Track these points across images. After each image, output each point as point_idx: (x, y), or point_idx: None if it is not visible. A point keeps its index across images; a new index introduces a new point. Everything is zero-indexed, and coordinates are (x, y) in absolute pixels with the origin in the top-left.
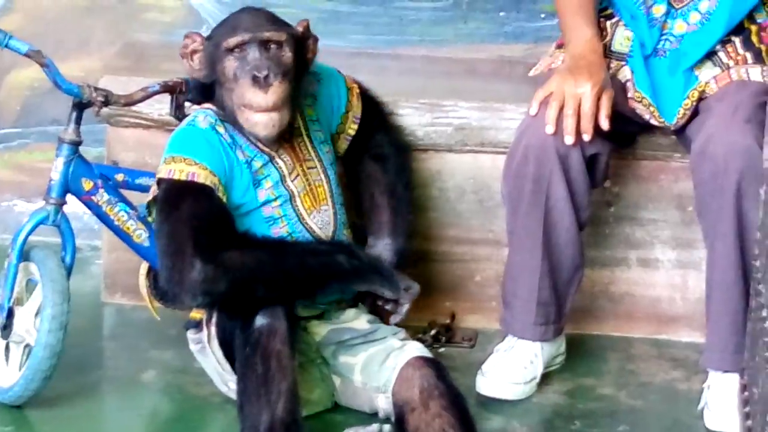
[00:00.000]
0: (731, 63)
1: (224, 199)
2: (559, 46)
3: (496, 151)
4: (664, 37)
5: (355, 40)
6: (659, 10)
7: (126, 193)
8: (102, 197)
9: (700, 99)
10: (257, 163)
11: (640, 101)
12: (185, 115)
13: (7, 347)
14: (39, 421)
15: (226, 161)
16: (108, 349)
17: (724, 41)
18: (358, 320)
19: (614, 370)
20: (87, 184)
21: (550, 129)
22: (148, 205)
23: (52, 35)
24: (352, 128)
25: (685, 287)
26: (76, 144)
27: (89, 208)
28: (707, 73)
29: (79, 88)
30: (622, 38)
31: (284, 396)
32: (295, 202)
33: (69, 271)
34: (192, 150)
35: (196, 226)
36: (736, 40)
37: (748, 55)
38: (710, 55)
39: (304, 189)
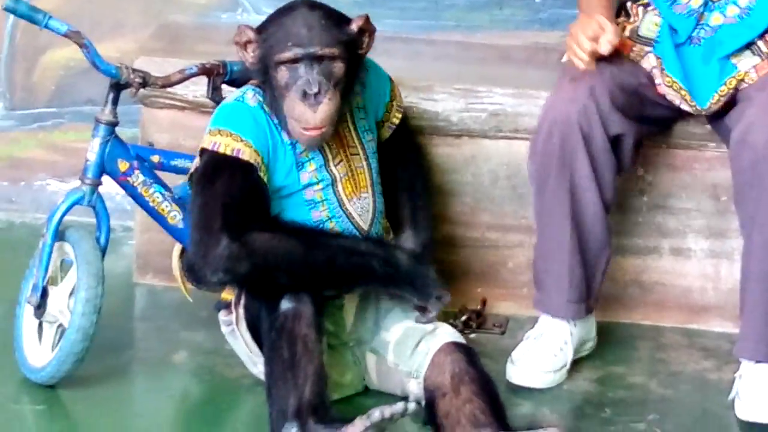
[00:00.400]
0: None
1: (265, 179)
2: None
3: (530, 137)
4: (699, 27)
5: (390, 24)
6: (697, 1)
7: (161, 174)
8: (137, 178)
9: (737, 89)
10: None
11: (671, 86)
12: (222, 98)
13: (40, 326)
14: (71, 401)
15: (271, 141)
16: (139, 330)
17: (763, 32)
18: None
19: (645, 358)
20: (123, 165)
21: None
22: (191, 176)
23: (87, 16)
24: (396, 117)
25: (717, 277)
26: (112, 125)
27: (124, 189)
28: (747, 62)
29: (117, 69)
30: (650, 23)
31: (311, 379)
32: (337, 187)
33: (103, 252)
34: (239, 125)
35: (228, 203)
36: None
37: None
38: (749, 44)
39: (346, 174)
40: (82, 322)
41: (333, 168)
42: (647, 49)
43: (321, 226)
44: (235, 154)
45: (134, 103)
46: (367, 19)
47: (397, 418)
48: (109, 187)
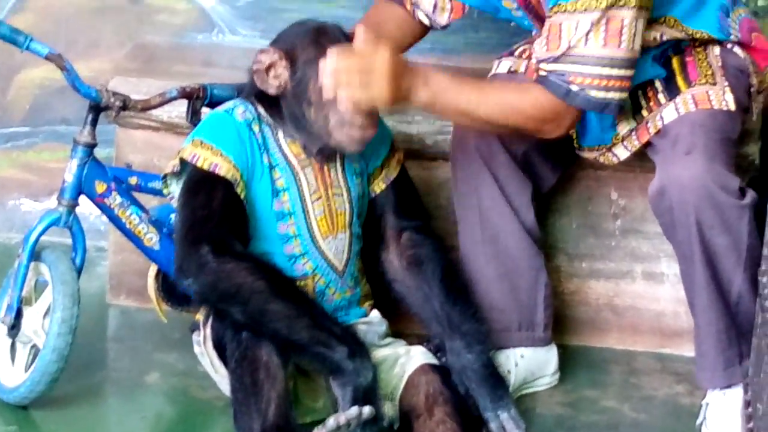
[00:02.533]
0: (646, 113)
1: (242, 195)
2: (511, 53)
3: None
4: None
5: None
6: None
7: (138, 195)
8: (115, 200)
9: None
10: (277, 173)
11: (579, 148)
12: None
13: (12, 346)
14: (42, 422)
15: (251, 159)
16: (112, 351)
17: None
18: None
19: (617, 382)
20: (100, 187)
21: None
22: (164, 177)
23: (63, 35)
24: (394, 171)
25: None
26: (90, 146)
27: (101, 210)
28: (624, 126)
29: (98, 93)
30: None
31: (275, 403)
32: (311, 224)
33: (79, 273)
34: (220, 139)
35: (205, 218)
36: (658, 82)
37: (661, 97)
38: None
39: (323, 213)
40: (57, 342)
41: (309, 203)
42: None
43: (294, 261)
44: (212, 169)
45: (109, 123)
46: None
47: (355, 425)
48: (83, 207)
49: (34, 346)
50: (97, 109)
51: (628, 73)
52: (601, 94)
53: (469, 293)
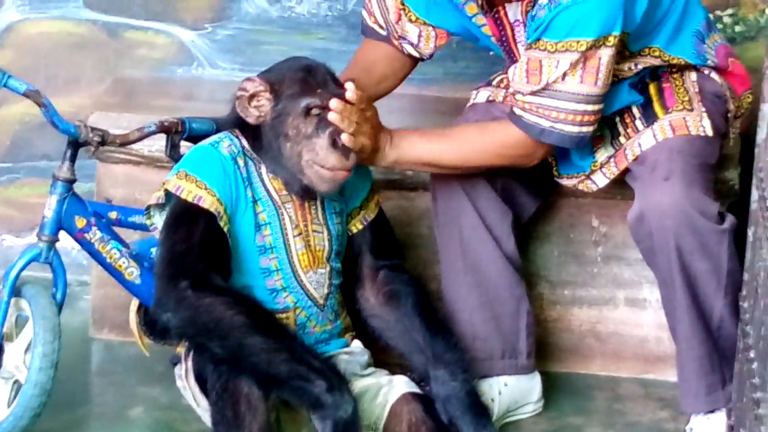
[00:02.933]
0: (623, 140)
1: (226, 229)
2: (488, 83)
3: None
4: None
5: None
6: None
7: (119, 230)
8: (95, 235)
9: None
10: (259, 207)
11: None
12: (180, 155)
13: None
14: None
15: (235, 193)
16: (96, 385)
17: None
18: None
19: (601, 409)
20: (80, 222)
21: None
22: (148, 208)
23: (42, 71)
24: (372, 213)
25: None
26: (70, 182)
27: (82, 245)
28: (602, 153)
29: (77, 128)
30: None
31: None
32: (292, 258)
33: (60, 308)
34: (205, 172)
35: (186, 251)
36: (635, 109)
37: (639, 124)
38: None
39: (304, 248)
40: (39, 377)
41: (291, 238)
42: None
43: (275, 295)
44: (195, 201)
45: (89, 157)
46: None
47: None
48: (65, 242)
49: (16, 381)
50: (75, 145)
51: (600, 107)
52: (576, 129)
53: (448, 324)
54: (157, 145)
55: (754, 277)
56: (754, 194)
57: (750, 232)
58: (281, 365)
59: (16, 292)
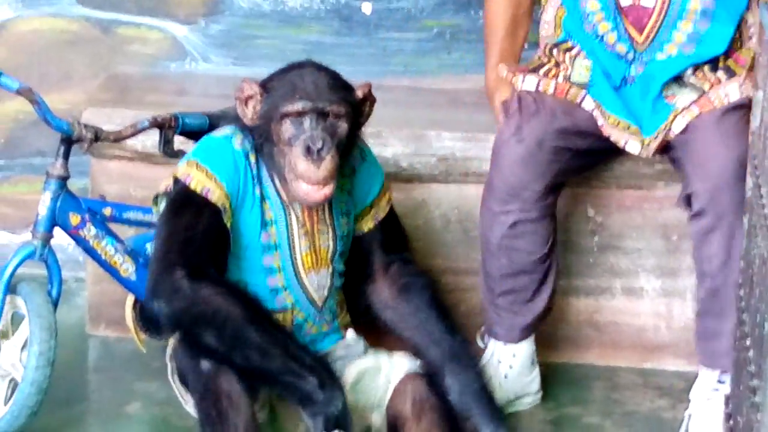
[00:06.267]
0: (706, 86)
1: (228, 225)
2: (533, 70)
3: (480, 181)
4: (629, 68)
5: (340, 71)
6: (622, 48)
7: (113, 226)
8: (89, 231)
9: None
10: (267, 205)
11: (616, 125)
12: (174, 151)
13: None
14: None
15: (243, 188)
16: (93, 382)
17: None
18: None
19: (600, 399)
20: (74, 219)
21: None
22: (156, 197)
23: (35, 68)
24: (383, 211)
25: (669, 316)
26: (63, 179)
27: (76, 242)
28: (684, 98)
29: (69, 125)
30: (581, 68)
31: (242, 430)
32: (296, 258)
33: (55, 305)
34: (216, 164)
35: (188, 240)
36: (705, 66)
37: (721, 75)
38: (678, 79)
39: (308, 248)
40: (35, 375)
41: (296, 238)
42: (583, 92)
43: (275, 294)
44: (204, 194)
45: (84, 154)
46: (370, 87)
47: None
48: (60, 238)
49: (12, 379)
50: (69, 142)
51: None
52: None
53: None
54: (151, 140)
55: (750, 264)
56: (749, 182)
57: (745, 220)
58: (274, 360)
59: (11, 289)
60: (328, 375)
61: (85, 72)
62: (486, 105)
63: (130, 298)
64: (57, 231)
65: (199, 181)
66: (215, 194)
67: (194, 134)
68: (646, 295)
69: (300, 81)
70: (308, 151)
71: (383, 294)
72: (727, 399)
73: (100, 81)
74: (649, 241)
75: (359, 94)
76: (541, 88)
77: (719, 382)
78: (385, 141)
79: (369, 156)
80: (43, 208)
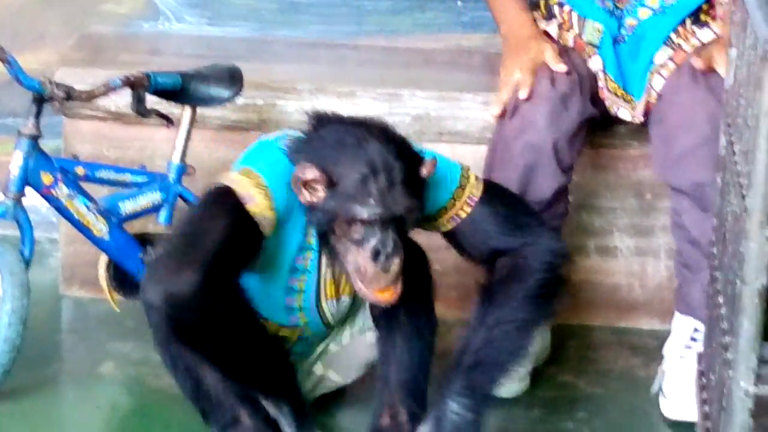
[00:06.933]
0: (681, 41)
1: (261, 241)
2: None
3: (453, 140)
4: (621, 25)
5: (313, 30)
6: (608, 4)
7: (87, 186)
8: (62, 191)
9: (657, 93)
10: (311, 231)
11: (614, 92)
12: (147, 110)
13: None
14: None
15: (292, 205)
16: (66, 342)
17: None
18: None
19: (574, 358)
20: (47, 178)
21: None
22: None
23: (8, 28)
24: (464, 210)
25: (643, 275)
26: (35, 138)
27: (49, 201)
28: (661, 55)
29: (41, 84)
30: (593, 30)
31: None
32: (320, 283)
33: (28, 264)
34: (271, 175)
35: (215, 243)
36: (688, 20)
37: (696, 29)
38: (665, 40)
39: (332, 276)
40: (8, 333)
41: (324, 266)
42: (595, 50)
43: (290, 313)
44: (245, 200)
45: (56, 113)
46: (435, 164)
47: None
48: (34, 199)
49: None
50: (40, 101)
51: None
52: None
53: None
54: (123, 100)
55: (723, 222)
56: (722, 140)
57: (719, 178)
58: (248, 382)
59: None
60: (298, 409)
61: (58, 32)
62: (460, 64)
63: (104, 258)
64: (29, 191)
65: (244, 186)
66: (259, 204)
67: (167, 93)
68: (620, 254)
69: (373, 179)
70: (377, 255)
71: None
72: (700, 357)
73: (73, 41)
74: (622, 201)
75: (425, 173)
76: (561, 43)
77: (692, 339)
78: (359, 100)
79: (438, 165)
80: (14, 168)
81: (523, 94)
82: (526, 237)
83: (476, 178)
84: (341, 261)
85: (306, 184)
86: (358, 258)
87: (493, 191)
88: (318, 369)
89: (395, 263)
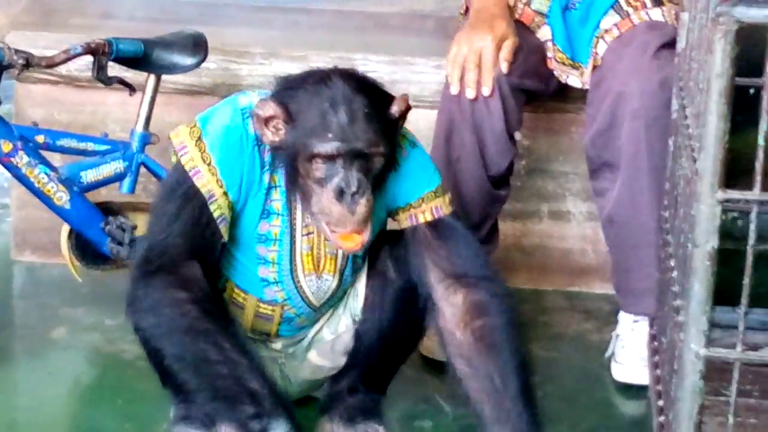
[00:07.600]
0: (630, 10)
1: (218, 213)
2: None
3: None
4: None
5: None
6: None
7: (47, 154)
8: (21, 159)
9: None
10: (276, 195)
11: (562, 62)
12: (108, 77)
13: None
14: None
15: (247, 176)
16: (18, 307)
17: None
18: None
19: (527, 322)
20: (6, 146)
21: (454, 90)
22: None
23: None
24: (425, 217)
25: (596, 239)
26: None
27: (8, 170)
28: (607, 21)
29: (0, 50)
30: None
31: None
32: (294, 256)
33: None
34: (219, 146)
35: (172, 233)
36: None
37: (647, 1)
38: (613, 4)
39: (309, 250)
40: None
41: (298, 236)
42: (543, 21)
43: (266, 285)
44: (192, 174)
45: (7, 78)
46: (407, 101)
47: None
48: None
49: None
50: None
51: None
52: None
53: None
54: (75, 64)
55: (675, 186)
56: (674, 104)
57: (671, 142)
58: (220, 380)
59: None
60: (272, 405)
61: None
62: (413, 29)
63: (66, 228)
64: None
65: (191, 158)
66: (204, 179)
67: (129, 61)
68: (573, 218)
69: (332, 113)
70: (341, 194)
71: (456, 336)
72: (652, 320)
73: (23, 4)
74: (575, 165)
75: (395, 112)
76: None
77: None
78: (312, 65)
79: (418, 157)
80: None
81: (470, 94)
82: (480, 272)
83: (450, 200)
84: (308, 206)
85: (267, 122)
86: (322, 198)
87: (456, 216)
88: (312, 356)
89: (362, 204)
